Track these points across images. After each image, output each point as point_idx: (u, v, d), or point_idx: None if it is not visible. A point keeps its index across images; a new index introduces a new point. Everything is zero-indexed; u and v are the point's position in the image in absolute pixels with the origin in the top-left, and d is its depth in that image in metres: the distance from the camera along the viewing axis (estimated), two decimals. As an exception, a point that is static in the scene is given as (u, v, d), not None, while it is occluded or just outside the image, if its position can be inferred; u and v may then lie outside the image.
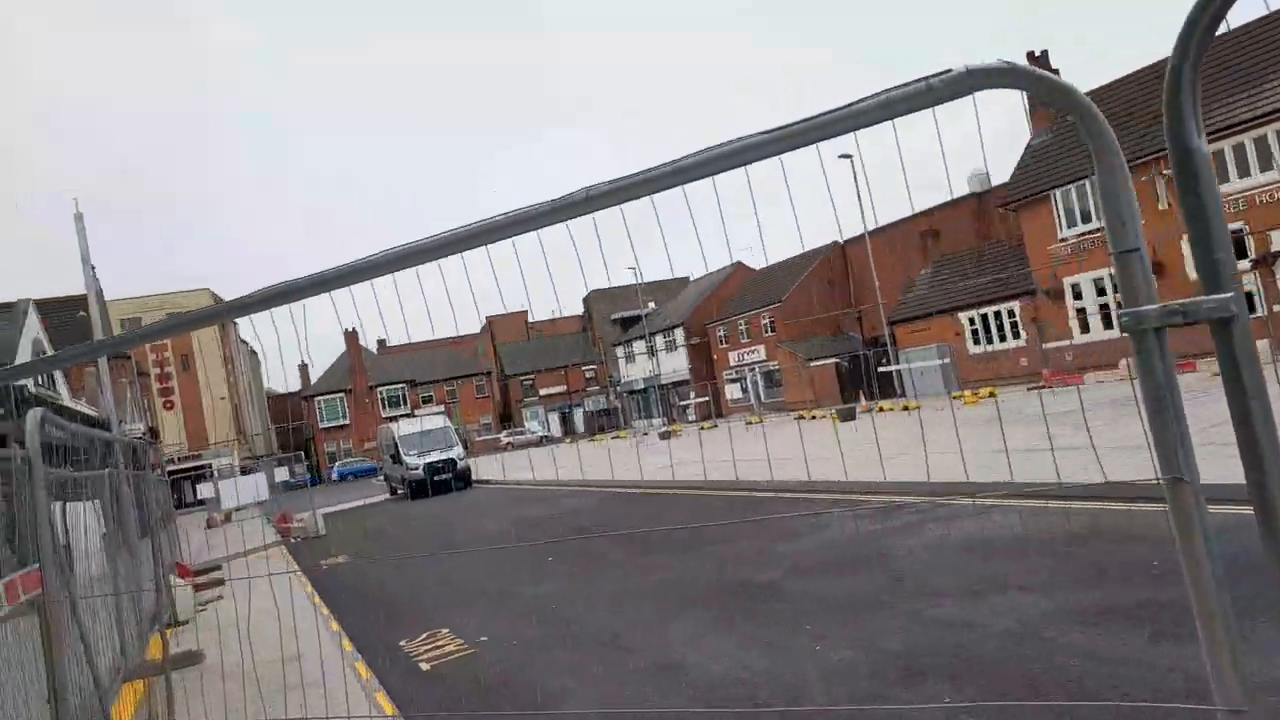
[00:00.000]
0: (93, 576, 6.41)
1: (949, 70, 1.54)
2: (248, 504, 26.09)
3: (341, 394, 67.80)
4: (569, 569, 11.33)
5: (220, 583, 15.16)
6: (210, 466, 47.35)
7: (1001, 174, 45.60)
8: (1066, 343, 30.07)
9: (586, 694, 6.21)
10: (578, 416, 72.65)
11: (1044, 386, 27.00)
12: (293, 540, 21.54)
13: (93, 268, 21.81)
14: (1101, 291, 29.06)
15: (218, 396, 59.28)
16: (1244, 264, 24.23)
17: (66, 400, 22.92)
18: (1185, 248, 25.68)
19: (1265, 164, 24.02)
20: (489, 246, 2.30)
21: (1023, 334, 32.42)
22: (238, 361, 68.37)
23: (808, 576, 8.41)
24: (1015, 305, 32.52)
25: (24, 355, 23.85)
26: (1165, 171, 25.82)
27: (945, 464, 12.39)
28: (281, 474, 46.05)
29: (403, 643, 8.60)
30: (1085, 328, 29.69)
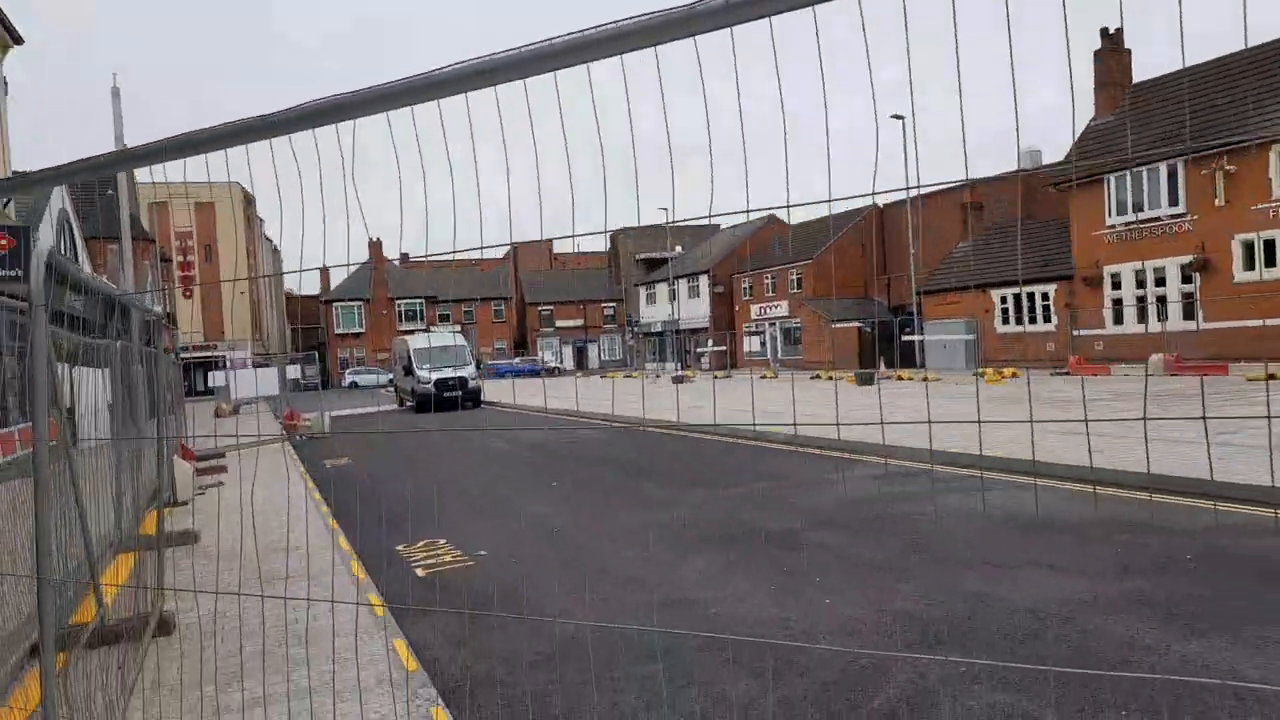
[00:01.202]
0: (95, 443, 6.21)
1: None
2: (259, 397, 26.12)
3: (360, 302, 67.83)
4: (577, 496, 11.14)
5: (223, 469, 15.17)
6: (225, 357, 47.63)
7: (1054, 154, 44.32)
8: (1098, 332, 29.42)
9: (585, 615, 6.00)
10: (592, 351, 72.56)
11: (1068, 373, 26.51)
12: (298, 437, 21.56)
13: (125, 145, 21.47)
14: (1141, 284, 28.29)
15: (238, 290, 59.35)
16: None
17: (88, 274, 22.78)
18: (1236, 247, 24.87)
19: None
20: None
21: (1054, 318, 31.73)
22: (260, 257, 68.36)
23: (823, 530, 8.15)
24: (1051, 288, 31.77)
25: (48, 227, 23.68)
26: (1228, 167, 24.88)
27: (967, 436, 12.07)
28: (294, 372, 46.26)
29: (400, 547, 8.45)
30: (1119, 319, 29.00)
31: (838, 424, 3.82)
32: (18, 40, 16.53)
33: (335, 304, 67.64)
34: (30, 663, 5.49)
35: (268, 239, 74.76)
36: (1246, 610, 5.31)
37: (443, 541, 8.63)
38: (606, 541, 8.36)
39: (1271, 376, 19.76)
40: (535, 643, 5.53)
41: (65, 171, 2.50)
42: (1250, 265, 24.86)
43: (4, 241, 12.65)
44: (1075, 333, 30.24)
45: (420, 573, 7.51)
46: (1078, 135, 31.66)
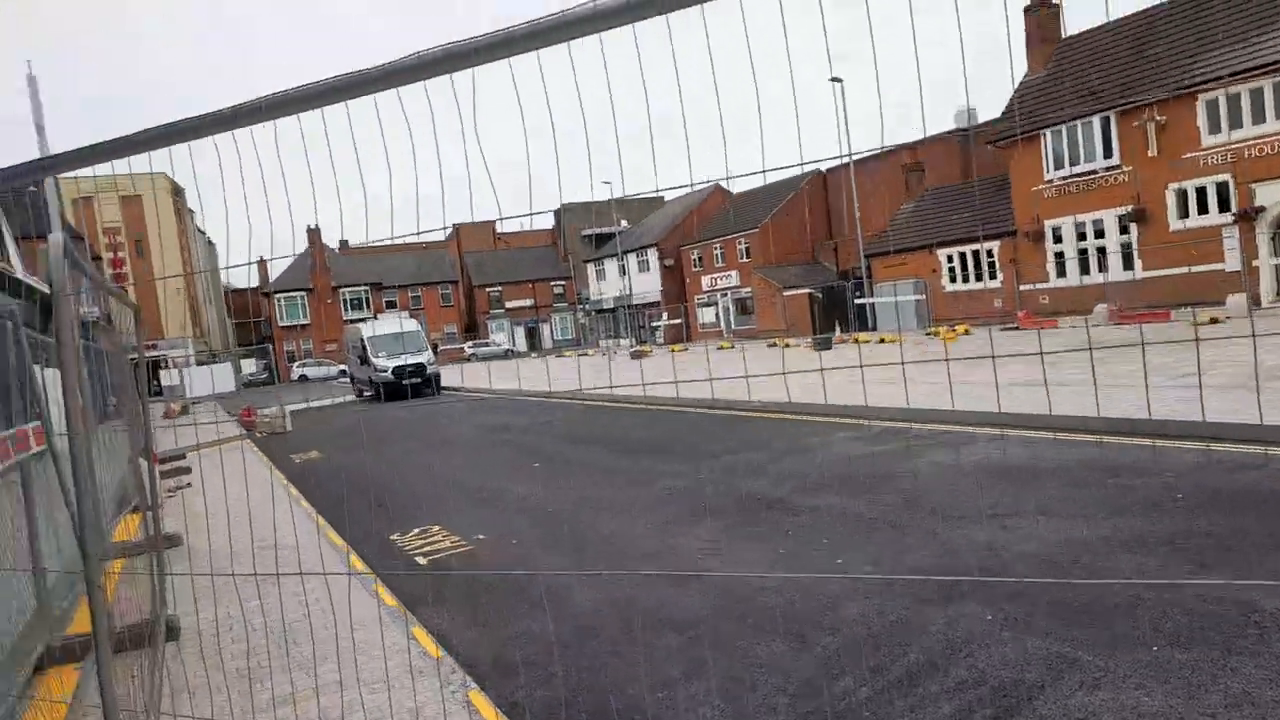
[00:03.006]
0: (56, 452, 5.97)
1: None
2: (211, 395, 25.42)
3: (302, 292, 66.22)
4: (562, 476, 11.11)
5: (186, 470, 14.75)
6: (165, 357, 46.20)
7: (989, 111, 45.13)
8: (1042, 286, 30.22)
9: (594, 594, 6.01)
10: (544, 331, 72.15)
11: (1018, 327, 27.20)
12: (258, 435, 21.08)
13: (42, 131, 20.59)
14: (1081, 236, 29.09)
15: (173, 286, 57.47)
16: (1227, 217, 24.33)
17: (19, 273, 21.82)
18: (1170, 197, 25.73)
19: (1258, 117, 23.89)
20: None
21: (1000, 275, 32.49)
22: (194, 250, 66.26)
23: (818, 494, 8.27)
24: (995, 245, 32.48)
25: (-27, 226, 22.58)
26: (1158, 117, 25.64)
27: (929, 393, 12.34)
28: (248, 367, 45.14)
29: (394, 537, 8.35)
30: (1062, 272, 29.81)
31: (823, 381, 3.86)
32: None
33: (277, 296, 65.97)
34: (36, 676, 5.32)
35: (200, 231, 72.40)
36: (1248, 542, 5.54)
37: (436, 528, 8.54)
38: (602, 518, 8.36)
39: (1214, 320, 20.57)
40: (558, 623, 5.52)
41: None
42: (1184, 213, 25.74)
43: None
44: (1021, 288, 31.01)
45: (422, 560, 7.43)
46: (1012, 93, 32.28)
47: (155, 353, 47.17)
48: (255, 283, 69.40)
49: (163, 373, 35.19)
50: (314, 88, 2.11)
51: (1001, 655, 4.29)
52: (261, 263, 64.54)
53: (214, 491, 11.35)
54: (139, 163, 2.61)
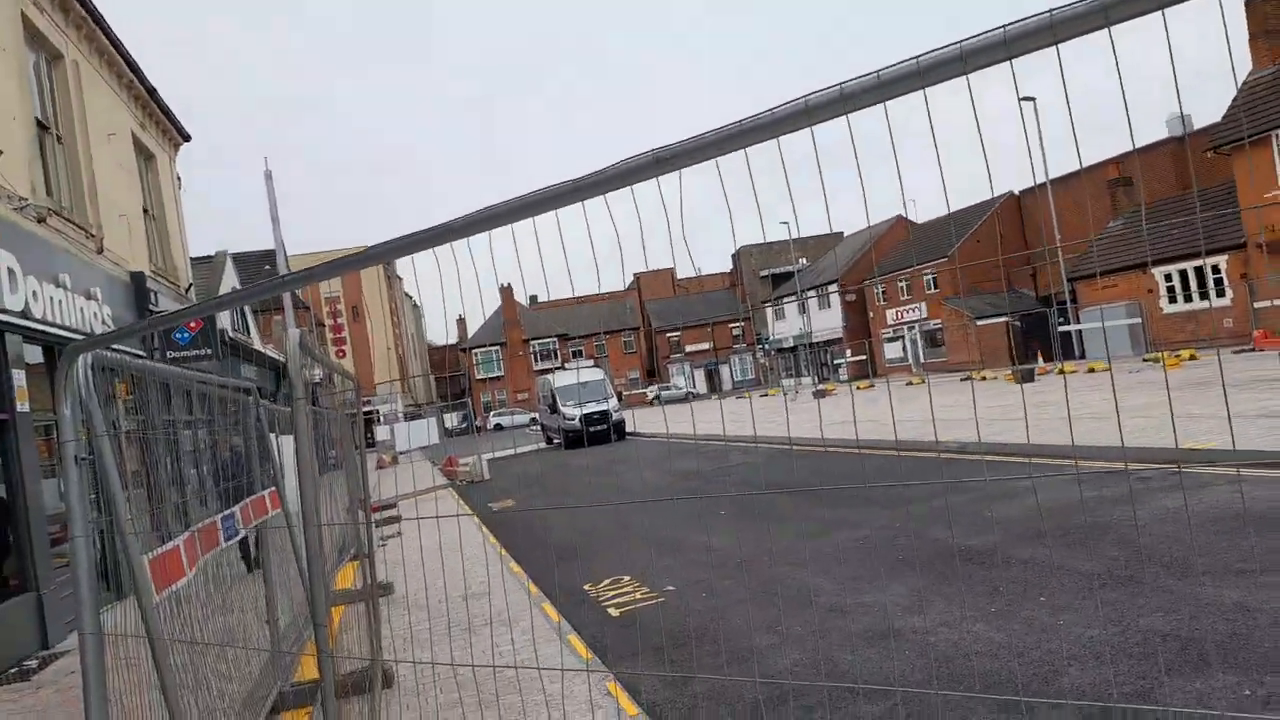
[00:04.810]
0: (289, 513, 6.53)
1: None
2: (418, 447, 27.25)
3: (496, 346, 70.18)
4: (749, 524, 10.93)
5: (397, 519, 15.81)
6: (377, 412, 50.10)
7: (1207, 117, 41.21)
8: (1284, 301, 26.82)
9: (793, 653, 5.79)
10: (723, 372, 72.25)
11: (1254, 349, 24.27)
12: (459, 482, 22.31)
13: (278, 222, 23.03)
14: (1331, 244, 25.63)
15: (384, 346, 62.58)
16: None
17: (257, 344, 24.49)
18: None
19: None
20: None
21: (1229, 291, 29.17)
22: (402, 313, 71.91)
23: (1026, 544, 7.63)
24: (1221, 260, 29.26)
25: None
26: None
27: (1149, 428, 11.14)
28: (450, 420, 48.16)
29: (587, 587, 8.48)
30: (1308, 285, 26.35)
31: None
32: (186, 138, 18.02)
33: (474, 350, 70.25)
34: (273, 717, 5.79)
35: (407, 295, 78.60)
36: None
37: (627, 578, 8.60)
38: (794, 569, 8.11)
39: None
40: (750, 682, 5.35)
41: (315, 273, 2.71)
42: None
43: (193, 324, 13.69)
44: (1256, 304, 27.68)
45: (614, 612, 7.49)
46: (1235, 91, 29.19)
47: (368, 408, 51.38)
48: (454, 339, 74.29)
49: (376, 427, 38.19)
50: (547, 192, 2.25)
51: (1267, 740, 3.71)
52: (460, 319, 69.14)
53: (422, 541, 12.06)
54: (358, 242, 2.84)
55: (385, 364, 62.49)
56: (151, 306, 13.49)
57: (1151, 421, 12.39)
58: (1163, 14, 1.49)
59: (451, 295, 2.77)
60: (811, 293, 57.52)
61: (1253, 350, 24.17)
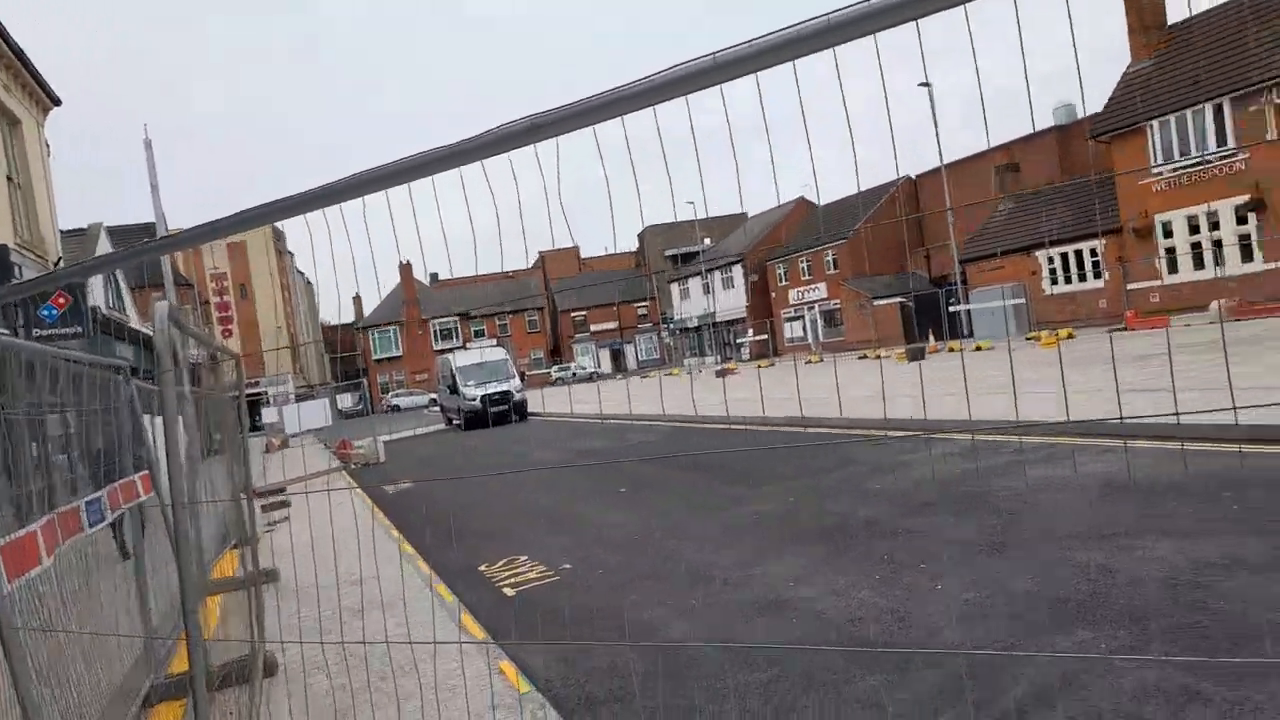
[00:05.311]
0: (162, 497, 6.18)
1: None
2: (309, 429, 26.36)
3: (394, 326, 68.42)
4: (646, 500, 10.97)
5: (286, 504, 15.24)
6: (266, 393, 48.26)
7: (1090, 106, 43.25)
8: (1152, 283, 28.61)
9: (686, 626, 5.83)
10: (629, 353, 72.51)
11: (1126, 328, 25.83)
12: (353, 465, 21.69)
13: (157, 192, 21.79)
14: (1194, 230, 27.44)
15: (275, 325, 60.21)
16: None
17: (135, 323, 23.16)
18: (1292, 183, 24.04)
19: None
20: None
21: (1105, 274, 30.93)
22: (294, 291, 69.28)
23: (911, 514, 7.90)
24: (1099, 244, 30.97)
25: (97, 278, 24.11)
26: (1278, 100, 24.03)
27: (1032, 404, 11.70)
28: (344, 401, 46.78)
29: (482, 568, 8.35)
30: (1173, 268, 28.17)
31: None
32: (56, 102, 16.77)
33: (371, 330, 68.33)
34: (145, 710, 5.47)
35: (299, 271, 75.77)
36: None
37: (523, 558, 8.51)
38: (689, 545, 8.17)
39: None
40: (642, 655, 5.36)
41: (170, 242, 2.59)
42: (1308, 199, 24.00)
43: (61, 300, 12.79)
44: (1129, 287, 29.45)
45: (508, 591, 7.39)
46: (1116, 84, 30.82)
47: (256, 389, 49.39)
48: (350, 318, 72.14)
49: (264, 410, 36.73)
50: (418, 159, 2.11)
51: (1117, 687, 3.92)
52: (356, 297, 67.10)
53: (312, 524, 11.66)
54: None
55: (276, 344, 60.11)
56: (17, 281, 12.53)
57: (1039, 396, 13.02)
58: (1018, 23, 1.54)
59: (345, 270, 2.62)
60: (716, 273, 58.21)
61: (1124, 330, 25.71)
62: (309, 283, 77.26)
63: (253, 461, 20.21)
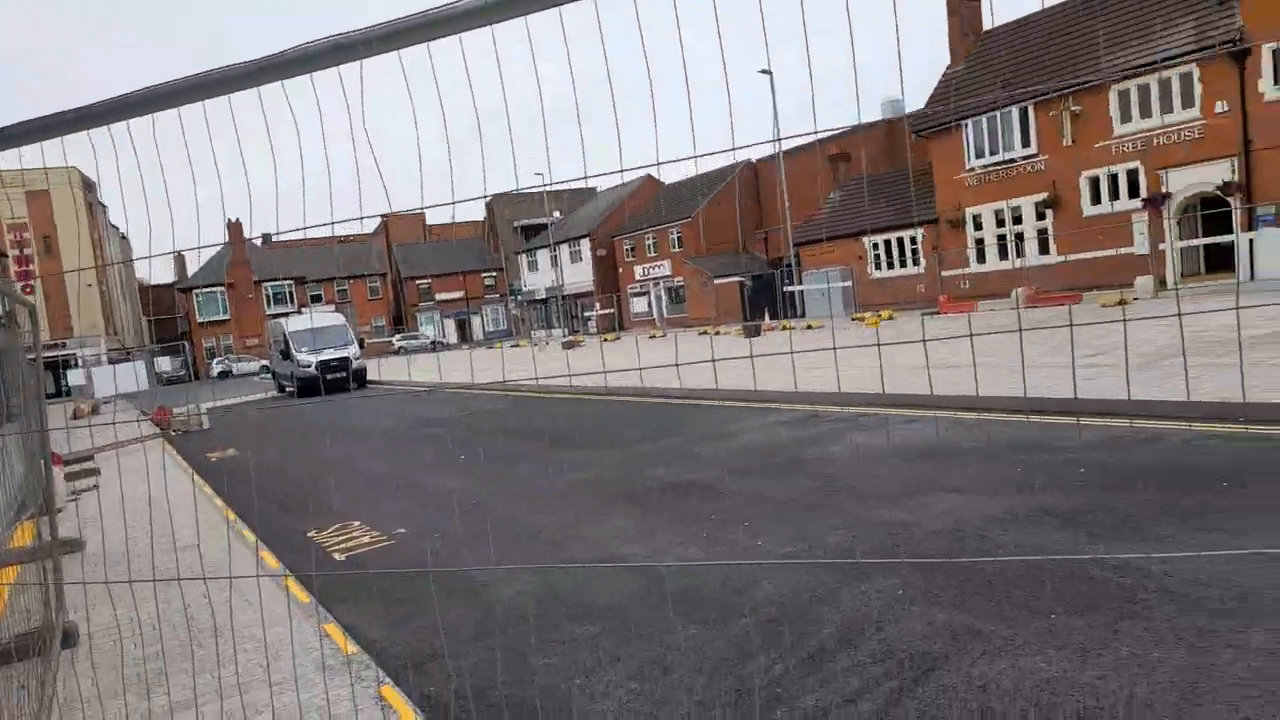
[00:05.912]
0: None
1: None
2: (123, 394, 24.40)
3: (221, 288, 64.15)
4: (487, 467, 10.97)
5: (95, 472, 14.14)
6: (76, 355, 44.31)
7: (917, 102, 46.00)
8: (963, 271, 31.04)
9: (520, 583, 5.95)
10: (475, 323, 71.35)
11: (939, 312, 27.92)
12: (171, 433, 20.34)
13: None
14: (1000, 223, 29.97)
15: (84, 283, 55.03)
16: (1136, 203, 25.32)
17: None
18: (1084, 184, 26.69)
19: (1166, 106, 24.88)
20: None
21: (923, 261, 33.26)
22: (107, 246, 63.54)
23: (736, 478, 8.34)
24: (918, 233, 33.24)
25: None
26: (1073, 107, 26.52)
27: (853, 378, 12.57)
28: (163, 364, 43.49)
29: (311, 533, 8.13)
30: (982, 258, 30.68)
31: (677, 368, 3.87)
32: None
33: (195, 291, 63.77)
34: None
35: (114, 226, 69.49)
36: (1143, 512, 5.77)
37: (356, 524, 8.35)
38: (525, 509, 8.29)
39: (1121, 301, 21.42)
40: (472, 613, 5.44)
41: None
42: (1096, 199, 26.73)
43: None
44: (943, 273, 31.80)
45: (339, 556, 7.25)
46: (936, 84, 33.02)
47: (64, 351, 45.16)
48: (173, 278, 67.01)
49: (71, 372, 33.62)
50: (239, 67, 1.92)
51: (910, 628, 4.38)
52: (178, 256, 62.31)
53: (124, 492, 10.90)
54: (51, 155, 2.36)
55: (86, 303, 54.99)
56: None
57: (863, 371, 13.94)
58: (848, 25, 1.65)
59: (163, 226, 2.43)
60: (564, 246, 58.10)
61: (937, 314, 27.80)
62: (124, 238, 71.04)
63: (57, 426, 18.53)
